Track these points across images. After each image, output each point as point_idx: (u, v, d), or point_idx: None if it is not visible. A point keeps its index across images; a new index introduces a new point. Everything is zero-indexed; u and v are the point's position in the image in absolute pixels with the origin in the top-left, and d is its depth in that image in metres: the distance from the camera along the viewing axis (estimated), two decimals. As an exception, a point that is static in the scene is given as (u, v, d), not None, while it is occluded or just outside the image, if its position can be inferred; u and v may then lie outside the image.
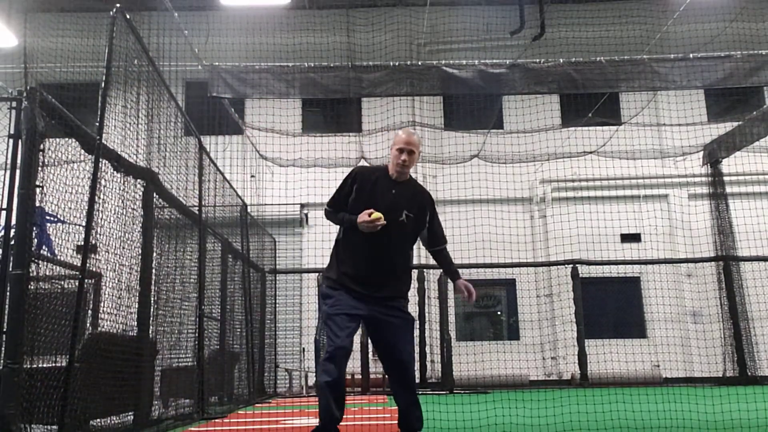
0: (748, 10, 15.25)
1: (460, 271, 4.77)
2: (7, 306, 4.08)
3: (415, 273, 14.48)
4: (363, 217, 4.08)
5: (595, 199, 16.91)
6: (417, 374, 13.99)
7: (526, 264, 15.70)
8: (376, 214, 4.06)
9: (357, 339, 12.66)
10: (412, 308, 15.05)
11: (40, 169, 4.35)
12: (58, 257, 4.78)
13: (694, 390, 11.72)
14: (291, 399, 12.07)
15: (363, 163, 15.37)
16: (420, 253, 16.68)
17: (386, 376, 4.36)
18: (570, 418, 6.67)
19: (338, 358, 4.01)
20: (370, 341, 4.73)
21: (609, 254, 15.86)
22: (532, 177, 17.13)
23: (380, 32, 15.08)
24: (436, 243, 4.49)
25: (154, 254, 6.57)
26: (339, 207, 4.34)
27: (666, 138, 16.67)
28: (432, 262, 16.91)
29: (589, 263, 14.95)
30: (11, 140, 4.38)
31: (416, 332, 14.22)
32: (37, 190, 4.33)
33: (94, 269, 5.19)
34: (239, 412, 8.58)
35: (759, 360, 14.63)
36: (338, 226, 4.37)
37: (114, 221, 5.58)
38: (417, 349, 14.19)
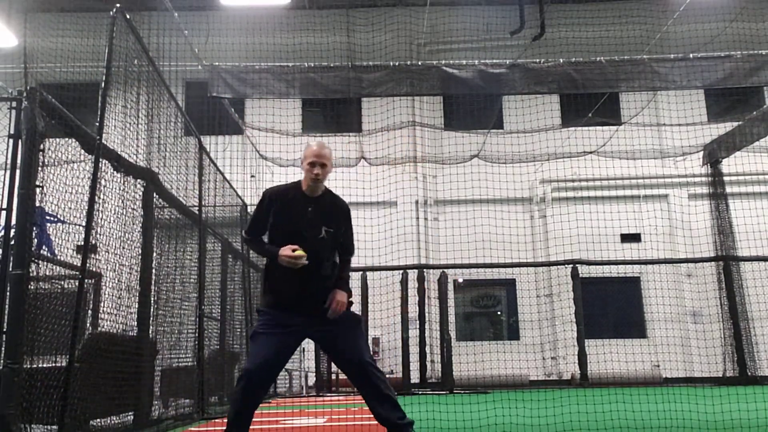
0: (748, 10, 15.25)
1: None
2: (7, 306, 4.08)
3: (414, 273, 14.49)
4: (286, 251, 3.96)
5: (595, 199, 16.91)
6: (417, 374, 14.15)
7: (526, 264, 15.70)
8: (300, 252, 3.95)
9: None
10: (413, 308, 15.02)
11: (40, 169, 4.35)
12: (58, 257, 4.78)
13: (694, 390, 11.72)
14: (291, 399, 12.07)
15: (362, 163, 15.39)
16: (420, 254, 16.71)
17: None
18: (570, 418, 6.67)
19: (245, 383, 3.89)
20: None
21: (609, 254, 15.86)
22: (532, 177, 17.13)
23: (380, 32, 15.08)
24: (342, 253, 4.31)
25: (154, 254, 6.56)
26: (258, 233, 4.23)
27: (666, 138, 16.67)
28: (432, 262, 16.89)
29: (589, 263, 14.95)
30: (11, 140, 4.38)
31: (415, 332, 14.25)
32: (37, 190, 4.33)
33: (94, 269, 5.19)
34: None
35: (759, 360, 14.63)
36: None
37: (114, 221, 5.58)
38: (417, 349, 14.21)
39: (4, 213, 4.45)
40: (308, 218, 4.11)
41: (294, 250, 3.96)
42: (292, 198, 4.16)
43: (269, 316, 4.08)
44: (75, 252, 4.91)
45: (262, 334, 4.04)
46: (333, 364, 9.39)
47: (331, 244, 4.17)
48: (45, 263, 4.48)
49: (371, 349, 14.96)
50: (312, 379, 14.10)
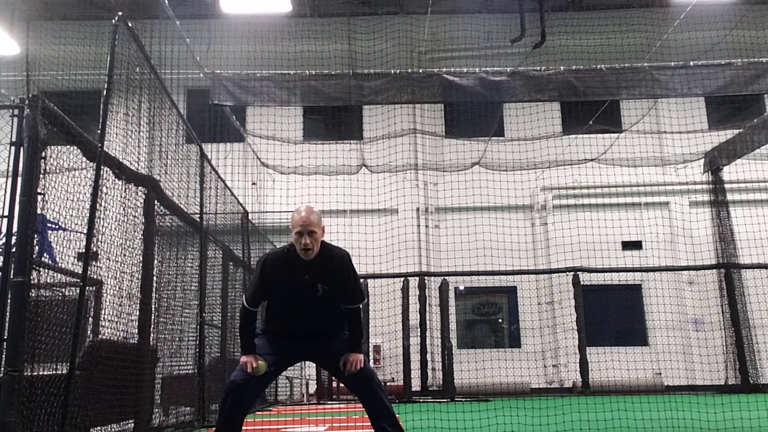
0: (749, 18, 15.27)
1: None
2: (7, 313, 4.08)
3: (415, 280, 14.49)
4: (249, 360, 4.04)
5: (596, 207, 16.91)
6: (418, 382, 14.12)
7: (528, 271, 15.68)
8: (259, 368, 4.00)
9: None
10: (414, 315, 15.01)
11: (41, 176, 4.35)
12: (60, 265, 4.78)
13: (696, 398, 11.69)
14: (292, 407, 12.04)
15: (363, 171, 15.40)
16: (421, 261, 16.70)
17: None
18: (571, 426, 6.65)
19: (227, 393, 3.97)
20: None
21: (610, 262, 15.85)
22: (533, 184, 17.14)
23: (381, 40, 15.13)
24: (346, 303, 4.22)
25: (155, 262, 6.56)
26: (259, 304, 4.24)
27: (667, 145, 16.69)
28: (433, 269, 16.88)
29: (590, 271, 14.93)
30: (13, 148, 4.38)
31: (416, 339, 14.23)
32: (39, 197, 4.33)
33: (95, 277, 5.19)
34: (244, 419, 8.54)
35: (761, 368, 14.59)
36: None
37: (115, 229, 5.59)
38: (418, 356, 14.18)
39: (5, 220, 4.46)
40: (305, 284, 4.10)
41: (257, 362, 4.02)
42: (290, 265, 4.10)
43: (267, 336, 4.22)
44: (76, 259, 4.91)
45: (258, 350, 4.18)
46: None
47: (330, 297, 4.13)
48: (46, 271, 4.48)
49: (372, 357, 14.99)
50: (313, 387, 14.07)
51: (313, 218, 4.01)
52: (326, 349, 4.19)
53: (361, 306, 4.26)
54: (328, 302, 4.15)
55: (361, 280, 14.94)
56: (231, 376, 4.06)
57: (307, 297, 4.11)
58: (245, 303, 4.20)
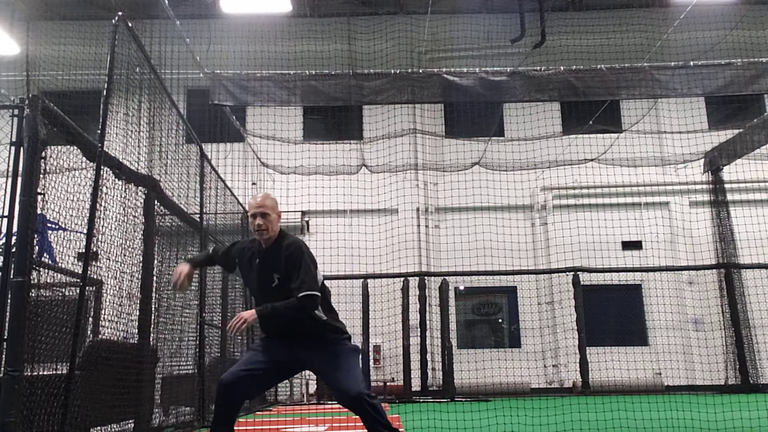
0: (749, 18, 15.28)
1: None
2: (8, 313, 4.08)
3: (415, 280, 14.49)
4: (179, 269, 4.38)
5: (596, 207, 16.91)
6: (418, 382, 14.11)
7: (528, 271, 15.69)
8: (180, 280, 4.30)
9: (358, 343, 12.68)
10: (414, 315, 15.00)
11: (41, 176, 4.35)
12: (59, 264, 4.78)
13: (696, 398, 11.69)
14: (292, 407, 12.04)
15: (363, 171, 15.41)
16: (421, 261, 16.71)
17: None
18: (571, 426, 6.65)
19: (217, 390, 3.98)
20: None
21: (610, 262, 15.85)
22: (533, 184, 17.13)
23: (381, 40, 15.13)
24: (293, 289, 4.02)
25: (155, 261, 6.57)
26: (219, 252, 4.61)
27: (667, 145, 16.69)
28: (433, 269, 16.89)
29: (590, 270, 14.93)
30: (13, 148, 4.38)
31: (416, 339, 14.22)
32: (39, 197, 4.33)
33: (95, 276, 5.19)
34: (240, 419, 8.56)
35: (761, 368, 14.59)
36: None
37: (115, 229, 5.59)
38: (418, 356, 14.18)
39: (5, 220, 4.46)
40: (258, 270, 4.19)
41: (182, 276, 4.29)
42: (249, 252, 4.28)
43: (265, 340, 4.23)
44: (76, 259, 4.91)
45: (252, 351, 4.22)
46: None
47: (286, 288, 4.08)
48: (46, 271, 4.48)
49: (372, 357, 14.99)
50: (313, 387, 14.08)
51: (267, 202, 4.17)
52: (309, 360, 4.14)
53: (308, 295, 3.96)
54: (286, 295, 4.06)
55: (361, 280, 15.01)
56: (223, 375, 4.08)
57: (264, 286, 4.15)
58: (214, 248, 4.73)
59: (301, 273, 4.02)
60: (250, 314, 3.98)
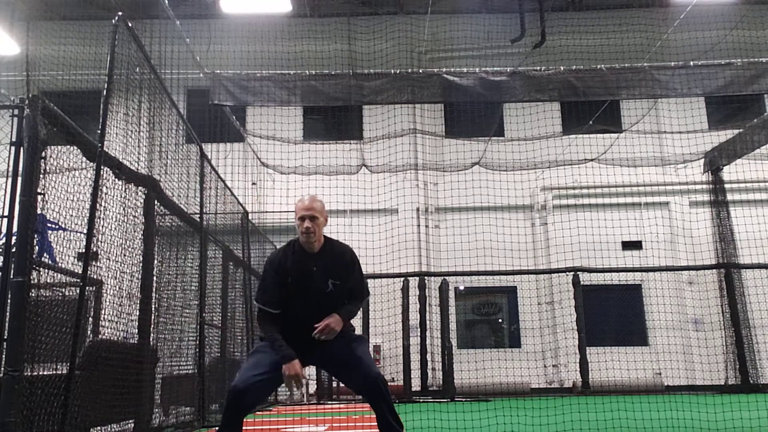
0: (749, 18, 15.28)
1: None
2: (8, 313, 4.08)
3: (415, 280, 14.49)
4: (296, 370, 3.96)
5: (596, 207, 16.91)
6: (418, 382, 14.11)
7: (528, 271, 15.69)
8: (300, 382, 3.98)
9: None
10: (414, 315, 14.99)
11: (41, 176, 4.35)
12: (59, 264, 4.78)
13: (696, 398, 11.69)
14: (292, 407, 12.04)
15: (363, 171, 15.41)
16: (421, 261, 16.70)
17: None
18: (571, 426, 6.65)
19: (231, 399, 3.90)
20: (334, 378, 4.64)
21: (610, 262, 15.86)
22: (533, 184, 17.14)
23: (381, 40, 15.13)
24: (352, 298, 4.24)
25: (155, 262, 6.56)
26: (275, 305, 4.13)
27: (667, 145, 16.69)
28: (433, 269, 16.85)
29: (590, 270, 14.93)
30: (13, 148, 4.38)
31: (416, 339, 14.23)
32: (39, 197, 4.33)
33: (95, 277, 5.19)
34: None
35: (761, 368, 14.59)
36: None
37: (115, 229, 5.59)
38: (418, 356, 14.18)
39: (5, 220, 4.46)
40: (314, 276, 4.12)
41: (299, 378, 3.97)
42: (293, 261, 4.14)
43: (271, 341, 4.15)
44: (76, 259, 4.91)
45: (259, 353, 4.10)
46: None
47: (340, 293, 4.17)
48: (46, 271, 4.48)
49: (372, 356, 14.97)
50: (313, 387, 14.08)
51: (315, 205, 4.11)
52: (328, 352, 4.15)
53: (363, 301, 4.32)
54: (337, 301, 4.14)
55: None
56: (234, 381, 4.02)
57: (317, 292, 4.11)
58: (265, 307, 4.14)
59: (363, 283, 4.29)
60: (336, 322, 4.00)
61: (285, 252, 4.21)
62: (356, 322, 14.67)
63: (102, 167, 5.04)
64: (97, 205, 4.89)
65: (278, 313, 4.11)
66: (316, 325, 4.00)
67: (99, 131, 5.05)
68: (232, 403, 3.90)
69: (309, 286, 4.11)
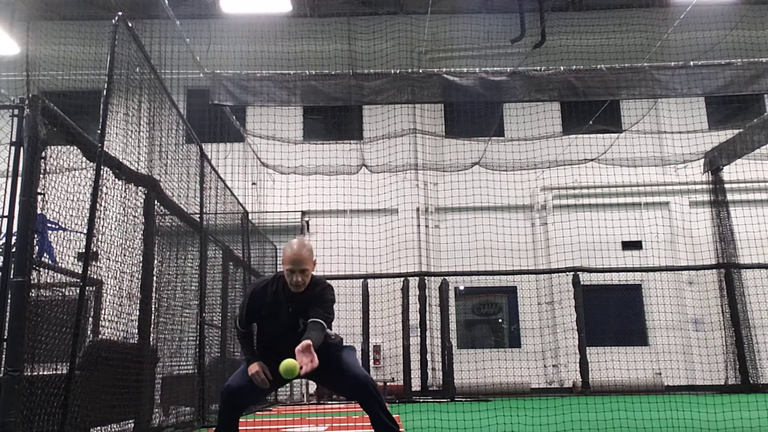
0: (749, 18, 15.28)
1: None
2: (8, 313, 4.08)
3: (415, 280, 14.50)
4: (256, 369, 4.00)
5: (596, 207, 16.91)
6: (418, 382, 14.12)
7: (528, 271, 15.69)
8: (264, 378, 3.99)
9: (358, 344, 12.73)
10: (414, 315, 14.98)
11: (41, 176, 4.35)
12: (59, 264, 4.78)
13: (696, 398, 11.69)
14: (292, 407, 12.04)
15: (363, 171, 15.41)
16: (421, 261, 16.70)
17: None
18: (571, 426, 6.65)
19: (224, 399, 3.97)
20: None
21: (610, 262, 15.86)
22: (533, 184, 17.14)
23: (381, 40, 15.13)
24: (311, 316, 4.04)
25: (155, 262, 6.56)
26: (247, 325, 4.28)
27: (667, 145, 16.69)
28: (433, 269, 16.87)
29: (590, 270, 14.94)
30: (13, 148, 4.38)
31: (416, 339, 14.23)
32: (39, 197, 4.33)
33: (95, 277, 5.19)
34: (240, 420, 8.55)
35: (761, 368, 14.59)
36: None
37: (115, 229, 5.59)
38: (418, 356, 14.19)
39: (5, 220, 4.46)
40: (288, 317, 4.11)
41: (264, 372, 3.98)
42: (273, 295, 4.14)
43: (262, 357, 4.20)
44: (76, 259, 4.91)
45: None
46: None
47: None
48: (46, 270, 4.48)
49: (372, 357, 14.98)
50: (313, 387, 14.07)
51: (304, 254, 3.99)
52: (320, 366, 4.14)
53: (324, 324, 3.99)
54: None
55: (361, 280, 15.00)
56: (227, 381, 4.07)
57: (289, 330, 4.10)
58: (237, 325, 4.31)
59: (326, 308, 4.07)
60: (309, 356, 3.77)
61: (267, 287, 4.20)
62: (356, 322, 14.70)
63: (102, 167, 5.04)
64: (97, 205, 4.89)
65: (247, 331, 4.29)
66: (302, 365, 3.77)
67: (99, 131, 5.05)
68: (226, 402, 3.98)
69: (282, 324, 4.13)
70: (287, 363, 3.74)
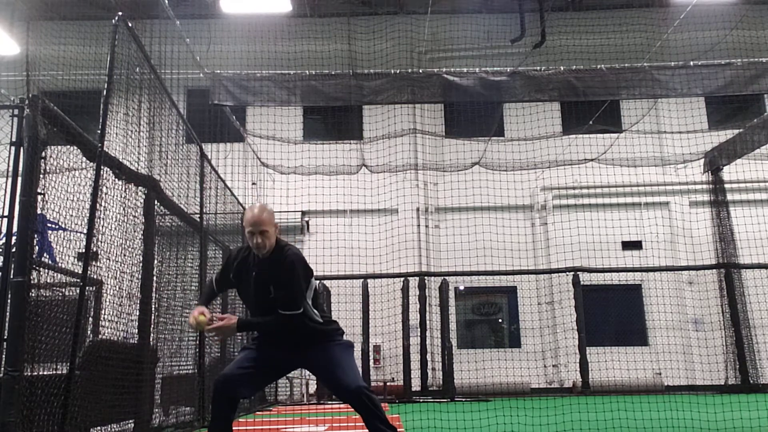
0: (749, 18, 15.27)
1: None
2: (8, 313, 4.08)
3: (415, 280, 14.48)
4: (194, 312, 4.01)
5: (596, 207, 16.91)
6: (418, 382, 14.11)
7: (528, 271, 15.69)
8: (199, 319, 3.94)
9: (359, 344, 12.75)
10: (414, 315, 14.97)
11: (41, 176, 4.36)
12: (60, 264, 4.78)
13: (696, 398, 11.69)
14: (292, 407, 12.04)
15: (363, 171, 15.41)
16: (421, 261, 16.70)
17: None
18: (571, 426, 6.65)
19: (215, 388, 3.94)
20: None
21: (610, 262, 15.85)
22: (533, 184, 17.14)
23: (381, 40, 15.13)
24: (278, 304, 4.00)
25: (155, 262, 6.57)
26: (220, 286, 4.39)
27: (667, 145, 16.69)
28: (433, 269, 16.85)
29: (590, 270, 14.93)
30: (13, 148, 4.39)
31: (416, 339, 14.22)
32: (39, 197, 4.33)
33: (95, 277, 5.19)
34: (240, 420, 8.56)
35: (761, 368, 14.59)
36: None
37: (115, 229, 5.59)
38: (418, 356, 14.18)
39: (5, 220, 4.46)
40: (254, 282, 4.10)
41: (200, 314, 3.96)
42: (243, 262, 4.17)
43: (261, 340, 4.19)
44: (76, 259, 4.91)
45: (247, 350, 4.19)
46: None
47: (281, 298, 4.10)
48: (46, 270, 4.48)
49: (372, 357, 14.98)
50: (313, 387, 14.08)
51: (264, 217, 4.00)
52: (314, 357, 4.11)
53: (288, 315, 3.95)
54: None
55: (361, 280, 14.98)
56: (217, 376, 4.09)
57: (261, 297, 4.07)
58: (211, 281, 4.43)
59: (289, 289, 3.99)
60: (229, 325, 3.95)
61: (241, 251, 4.27)
62: (356, 322, 14.70)
63: (102, 167, 5.04)
64: (97, 205, 4.89)
65: (214, 288, 4.40)
66: (216, 317, 4.00)
67: (99, 131, 5.05)
68: (217, 392, 3.95)
69: (253, 290, 4.11)
70: (199, 320, 3.92)
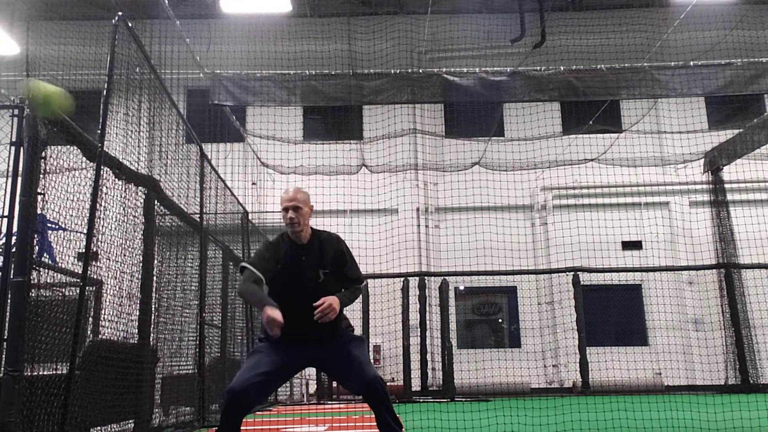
0: (749, 18, 15.28)
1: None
2: (8, 313, 4.08)
3: (415, 280, 14.49)
4: (275, 314, 3.76)
5: (596, 207, 16.91)
6: (418, 382, 14.12)
7: (528, 271, 15.69)
8: (279, 321, 3.74)
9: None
10: (414, 315, 14.99)
11: (41, 176, 4.35)
12: (60, 264, 4.78)
13: (696, 398, 11.69)
14: (292, 407, 12.04)
15: (363, 171, 15.41)
16: (421, 261, 16.70)
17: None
18: (571, 426, 6.65)
19: (228, 401, 3.85)
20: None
21: (610, 262, 15.85)
22: (533, 184, 17.14)
23: (381, 40, 15.13)
24: (347, 284, 4.25)
25: (155, 261, 6.56)
26: (264, 269, 4.05)
27: (667, 145, 16.69)
28: (433, 269, 16.84)
29: (590, 270, 14.93)
30: (13, 148, 4.38)
31: (416, 339, 14.23)
32: (39, 197, 4.33)
33: (95, 277, 5.19)
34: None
35: (761, 368, 14.59)
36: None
37: (115, 229, 5.59)
38: (418, 356, 14.19)
39: (5, 220, 4.46)
40: (303, 267, 4.11)
41: (280, 318, 3.77)
42: (284, 250, 4.16)
43: (268, 344, 4.10)
44: (76, 259, 4.91)
45: (258, 354, 4.07)
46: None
47: (332, 282, 4.17)
48: (46, 271, 4.47)
49: (372, 357, 14.98)
50: (313, 387, 14.08)
51: (299, 196, 4.16)
52: (326, 353, 4.12)
53: (361, 288, 4.30)
54: (330, 292, 4.09)
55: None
56: (231, 383, 3.99)
57: (309, 283, 4.09)
58: (251, 266, 4.05)
59: (355, 266, 4.26)
60: (335, 302, 3.92)
61: (276, 243, 4.25)
62: (356, 322, 14.70)
63: (102, 167, 5.04)
64: (97, 205, 4.89)
65: (261, 278, 4.02)
66: (316, 304, 3.90)
67: (99, 131, 5.05)
68: (230, 404, 3.86)
69: (300, 277, 4.10)
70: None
